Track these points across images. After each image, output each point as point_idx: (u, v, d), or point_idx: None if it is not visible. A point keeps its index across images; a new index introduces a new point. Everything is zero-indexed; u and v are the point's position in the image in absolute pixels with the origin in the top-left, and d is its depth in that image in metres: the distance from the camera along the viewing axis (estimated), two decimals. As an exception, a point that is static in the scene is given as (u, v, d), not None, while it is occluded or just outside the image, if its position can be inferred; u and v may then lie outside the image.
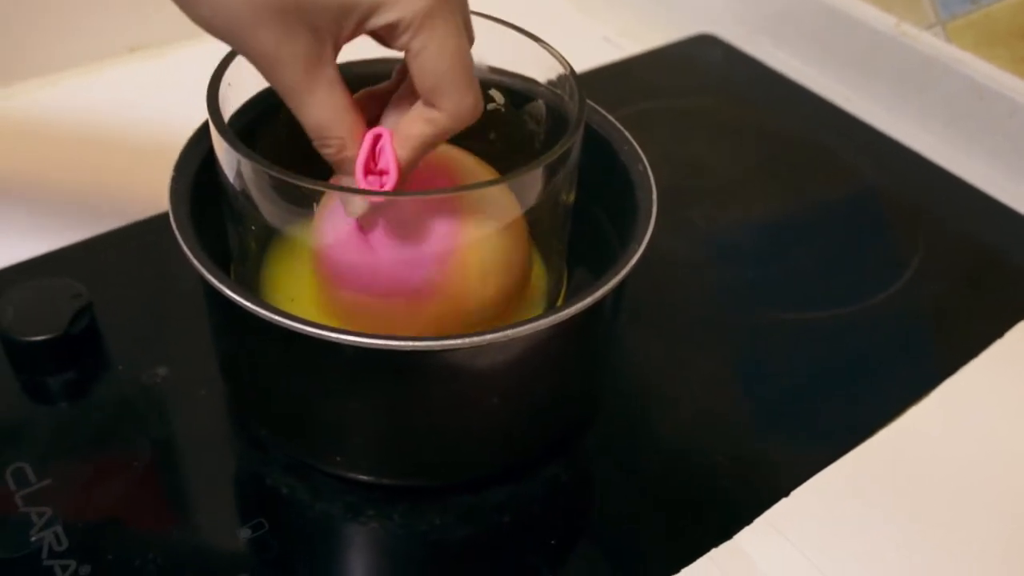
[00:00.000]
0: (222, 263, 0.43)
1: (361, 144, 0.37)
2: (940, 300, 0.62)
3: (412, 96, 0.39)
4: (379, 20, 0.35)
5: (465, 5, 0.38)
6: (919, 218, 0.68)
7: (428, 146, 0.38)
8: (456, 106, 0.36)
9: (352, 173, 0.38)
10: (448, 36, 0.35)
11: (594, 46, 0.85)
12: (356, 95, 0.40)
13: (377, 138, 0.38)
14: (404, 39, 0.35)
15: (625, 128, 0.49)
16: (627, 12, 0.90)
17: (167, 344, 0.53)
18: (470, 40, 0.39)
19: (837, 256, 0.65)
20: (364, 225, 0.39)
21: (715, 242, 0.65)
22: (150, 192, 0.61)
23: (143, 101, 0.73)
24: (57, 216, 0.61)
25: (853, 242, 0.66)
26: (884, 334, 0.59)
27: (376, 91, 0.41)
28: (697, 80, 0.82)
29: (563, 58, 0.44)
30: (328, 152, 0.37)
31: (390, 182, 0.38)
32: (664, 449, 0.51)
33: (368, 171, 0.38)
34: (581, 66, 0.67)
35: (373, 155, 0.38)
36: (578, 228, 0.47)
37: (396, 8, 0.34)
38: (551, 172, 0.40)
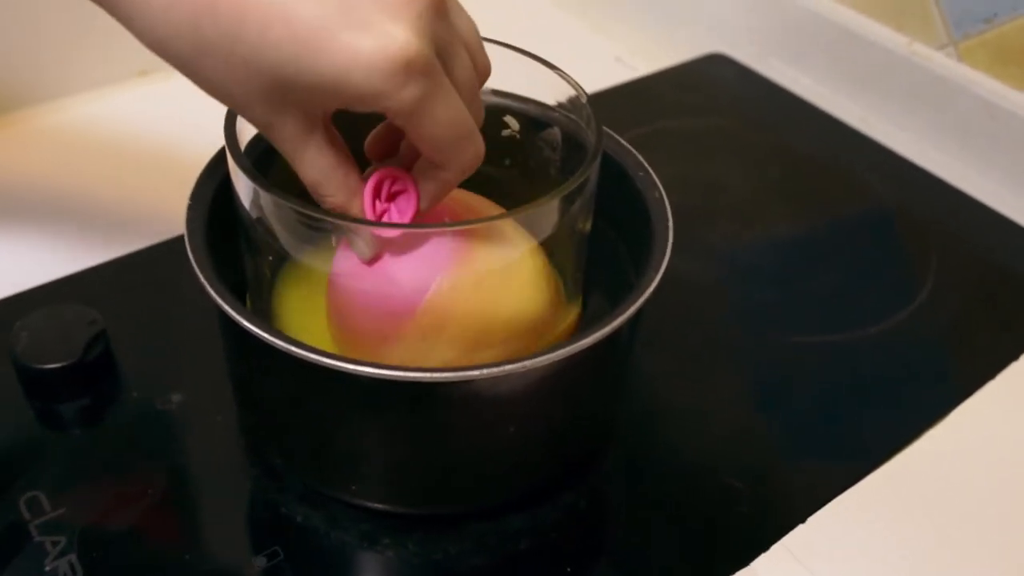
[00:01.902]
0: (238, 290, 0.43)
1: (357, 194, 0.39)
2: (955, 321, 0.61)
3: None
4: (367, 108, 0.35)
5: (461, 52, 0.38)
6: (932, 238, 0.68)
7: (438, 197, 0.40)
8: (458, 164, 0.38)
9: (351, 229, 0.39)
10: (440, 110, 0.36)
11: (606, 66, 0.85)
12: (378, 127, 0.41)
13: (385, 177, 0.39)
14: (398, 121, 0.36)
15: (638, 148, 0.49)
16: (639, 32, 0.90)
17: (181, 370, 0.53)
18: (482, 77, 0.40)
19: (850, 277, 0.65)
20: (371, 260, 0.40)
21: (729, 263, 0.65)
22: (163, 217, 0.62)
23: (153, 125, 0.73)
24: (70, 241, 0.62)
25: (866, 262, 0.66)
26: (899, 356, 0.59)
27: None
28: (709, 100, 0.82)
29: (579, 85, 0.44)
30: (325, 205, 0.39)
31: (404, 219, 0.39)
32: (680, 474, 0.51)
33: (376, 208, 0.39)
34: (593, 86, 0.67)
35: (379, 192, 0.39)
36: (593, 252, 0.47)
37: (383, 100, 0.34)
38: (568, 202, 0.40)
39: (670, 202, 0.46)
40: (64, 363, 0.50)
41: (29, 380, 0.50)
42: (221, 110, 0.41)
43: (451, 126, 0.36)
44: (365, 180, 0.39)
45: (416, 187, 0.39)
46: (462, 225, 0.40)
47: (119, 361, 0.52)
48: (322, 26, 0.33)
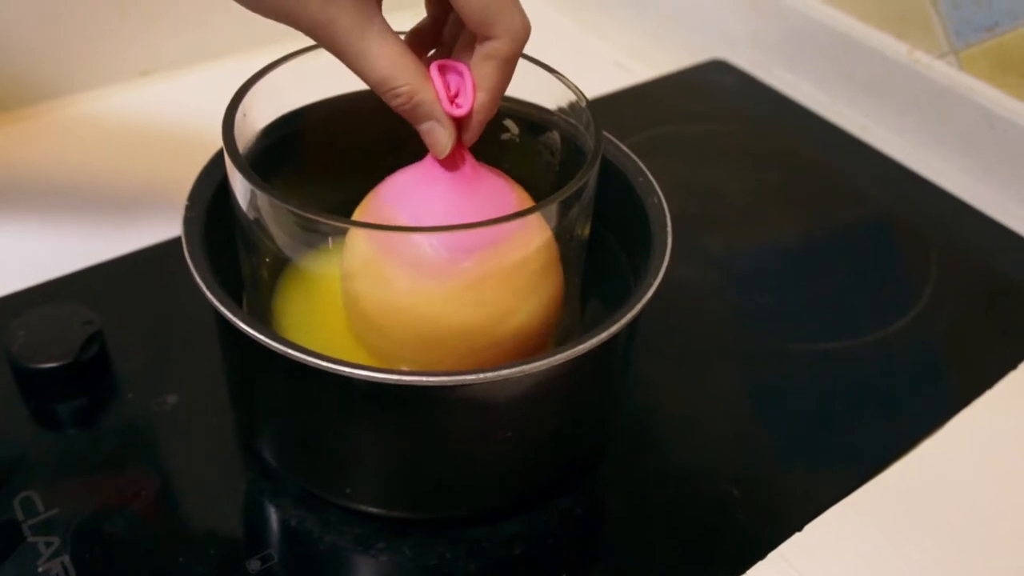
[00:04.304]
0: (235, 291, 0.43)
1: (428, 80, 0.38)
2: (953, 330, 0.61)
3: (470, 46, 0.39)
4: None
5: None
6: (932, 246, 0.68)
7: (498, 83, 0.38)
8: (508, 28, 0.37)
9: (429, 117, 0.38)
10: None
11: (605, 71, 0.85)
12: (416, 25, 0.41)
13: (442, 68, 0.38)
14: None
15: (638, 154, 0.48)
16: (639, 37, 0.90)
17: (177, 372, 0.53)
18: None
19: (849, 285, 0.64)
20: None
21: (728, 269, 0.65)
22: (162, 217, 0.62)
23: (155, 125, 0.73)
24: (67, 240, 0.61)
25: (865, 270, 0.66)
26: (897, 364, 0.58)
27: (420, 29, 0.41)
28: (709, 106, 0.82)
29: (579, 90, 0.43)
30: (399, 102, 0.37)
31: (464, 108, 0.38)
32: (677, 481, 0.50)
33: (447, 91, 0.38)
34: (592, 91, 0.67)
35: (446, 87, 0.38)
36: (592, 258, 0.47)
37: None
38: (566, 206, 0.40)
39: (670, 208, 0.46)
40: (60, 363, 0.49)
41: (24, 379, 0.50)
42: (221, 110, 0.41)
43: None
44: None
45: (472, 76, 0.38)
46: (465, 228, 0.40)
47: (115, 362, 0.52)
48: None
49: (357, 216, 0.42)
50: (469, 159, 0.41)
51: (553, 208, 0.40)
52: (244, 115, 0.41)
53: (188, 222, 0.42)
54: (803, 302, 0.63)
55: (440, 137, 0.38)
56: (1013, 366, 0.58)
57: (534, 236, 0.41)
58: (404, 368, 0.41)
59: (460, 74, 0.38)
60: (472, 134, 0.39)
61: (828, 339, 0.60)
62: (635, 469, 0.51)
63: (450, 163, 0.40)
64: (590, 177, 0.40)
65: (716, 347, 0.59)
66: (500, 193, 0.41)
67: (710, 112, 0.81)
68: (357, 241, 0.41)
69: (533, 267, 0.41)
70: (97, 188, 0.67)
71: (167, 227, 0.60)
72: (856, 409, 0.55)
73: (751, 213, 0.70)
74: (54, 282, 0.57)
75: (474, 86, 0.38)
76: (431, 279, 0.39)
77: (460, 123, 0.39)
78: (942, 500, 0.50)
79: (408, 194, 0.41)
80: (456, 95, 0.38)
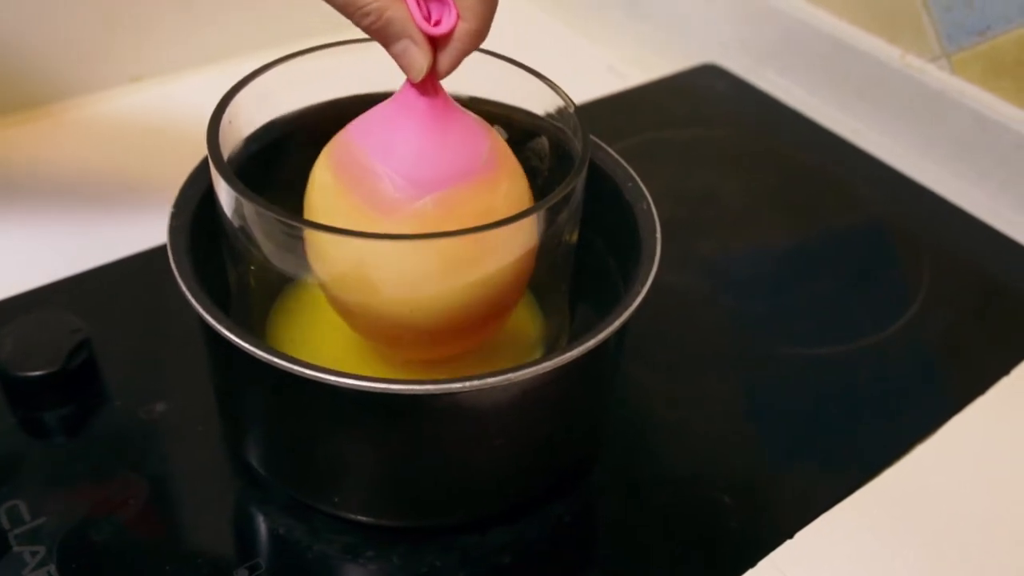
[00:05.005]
0: (222, 299, 0.43)
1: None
2: (946, 335, 0.61)
3: None
4: None
5: None
6: (924, 250, 0.68)
7: (485, 10, 0.36)
8: None
9: (402, 35, 0.36)
10: None
11: (598, 75, 0.85)
12: None
13: None
14: None
15: (630, 158, 0.48)
16: (632, 41, 0.90)
17: (165, 380, 0.52)
18: None
19: (841, 289, 0.64)
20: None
21: (720, 274, 0.65)
22: (150, 224, 0.61)
23: (144, 131, 0.72)
24: (54, 247, 0.61)
25: (857, 275, 0.66)
26: (890, 370, 0.58)
27: None
28: (702, 110, 0.82)
29: (566, 95, 0.43)
30: (369, 21, 0.36)
31: (443, 28, 0.37)
32: (668, 488, 0.50)
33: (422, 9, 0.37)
34: (585, 95, 0.67)
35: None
36: (581, 264, 0.47)
37: None
38: (554, 213, 0.40)
39: (661, 213, 0.45)
40: (47, 371, 0.49)
41: (11, 387, 0.50)
42: (208, 117, 0.41)
43: None
44: None
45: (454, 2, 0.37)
46: (431, 237, 0.39)
47: (103, 369, 0.52)
48: None
49: (325, 153, 0.41)
50: (444, 94, 0.39)
51: (541, 215, 0.39)
52: (230, 122, 0.41)
53: (174, 230, 0.42)
54: (795, 307, 0.63)
55: (415, 57, 0.36)
56: (1006, 371, 0.58)
57: (501, 179, 0.40)
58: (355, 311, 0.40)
59: (442, 2, 0.37)
60: (449, 62, 0.37)
61: (821, 344, 0.59)
62: (626, 477, 0.51)
63: (424, 89, 0.38)
64: (577, 183, 0.40)
65: (709, 353, 0.59)
66: (473, 133, 0.40)
67: (702, 116, 0.81)
68: (318, 173, 0.40)
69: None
70: (86, 194, 0.66)
71: (156, 234, 0.59)
72: (848, 414, 0.55)
73: (743, 218, 0.70)
74: (41, 289, 0.57)
75: (458, 12, 0.37)
76: (389, 215, 0.38)
77: (438, 48, 0.37)
78: (935, 506, 0.50)
79: (378, 126, 0.39)
80: (438, 23, 0.37)
